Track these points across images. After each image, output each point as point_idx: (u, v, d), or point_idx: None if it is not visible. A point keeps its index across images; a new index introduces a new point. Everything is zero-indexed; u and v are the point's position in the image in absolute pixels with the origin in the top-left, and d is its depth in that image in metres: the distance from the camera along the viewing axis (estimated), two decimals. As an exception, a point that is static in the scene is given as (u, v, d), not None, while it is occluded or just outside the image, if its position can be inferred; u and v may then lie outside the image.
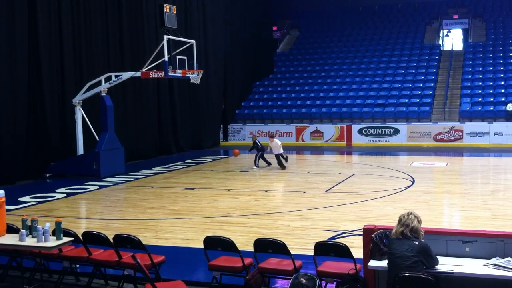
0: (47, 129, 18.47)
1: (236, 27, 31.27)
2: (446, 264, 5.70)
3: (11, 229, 7.33)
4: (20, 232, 6.82)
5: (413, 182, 15.95)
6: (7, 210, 8.15)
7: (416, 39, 36.15)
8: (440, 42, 36.57)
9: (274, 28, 40.00)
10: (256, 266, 6.87)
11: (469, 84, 30.10)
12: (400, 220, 5.77)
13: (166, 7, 17.79)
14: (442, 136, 26.96)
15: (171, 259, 7.93)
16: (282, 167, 19.38)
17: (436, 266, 5.64)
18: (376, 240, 5.98)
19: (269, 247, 6.93)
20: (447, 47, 36.30)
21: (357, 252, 6.66)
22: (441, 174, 17.97)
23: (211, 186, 16.07)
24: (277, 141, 19.72)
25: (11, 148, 17.04)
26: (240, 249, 6.95)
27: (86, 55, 20.28)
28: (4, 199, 7.03)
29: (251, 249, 7.02)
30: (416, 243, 5.60)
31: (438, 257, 5.72)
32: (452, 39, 37.69)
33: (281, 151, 19.56)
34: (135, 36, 22.88)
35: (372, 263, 5.93)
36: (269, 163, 19.83)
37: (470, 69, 31.48)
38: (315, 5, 41.80)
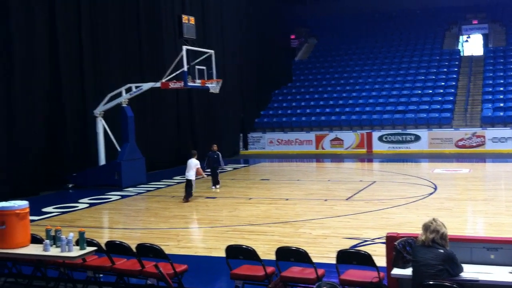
0: (69, 141, 18.70)
1: (254, 36, 31.38)
2: (471, 272, 5.62)
3: (35, 239, 7.41)
4: (44, 242, 6.89)
5: (435, 189, 15.80)
6: (31, 221, 8.25)
7: (435, 45, 35.92)
8: (460, 47, 36.30)
9: (292, 36, 40.11)
10: (278, 274, 6.85)
11: (490, 89, 29.79)
12: (428, 227, 5.67)
13: (185, 18, 17.91)
14: (464, 142, 26.70)
15: (194, 268, 7.94)
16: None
17: (461, 274, 5.56)
18: (399, 248, 5.92)
19: (291, 255, 6.90)
20: (467, 52, 36.01)
21: (380, 260, 6.60)
22: (464, 181, 17.77)
23: (231, 195, 16.08)
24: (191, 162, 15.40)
25: (35, 160, 17.27)
26: (261, 257, 6.94)
27: (106, 67, 20.50)
28: (28, 210, 7.12)
29: (273, 257, 7.01)
30: (442, 251, 5.53)
31: (463, 265, 5.65)
32: (472, 45, 37.38)
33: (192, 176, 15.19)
34: (154, 47, 23.08)
35: (395, 271, 5.88)
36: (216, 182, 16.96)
37: (491, 74, 31.17)
38: (332, 13, 41.77)
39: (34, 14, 17.33)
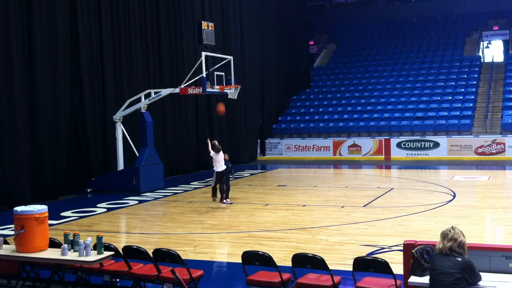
0: (89, 145, 18.86)
1: (273, 42, 31.44)
2: (489, 281, 5.56)
3: (54, 244, 7.48)
4: (62, 246, 6.96)
5: (454, 196, 15.65)
6: (50, 225, 8.33)
7: (456, 51, 35.65)
8: (480, 54, 35.98)
9: (311, 42, 40.09)
10: (294, 281, 6.84)
11: (511, 96, 29.45)
12: (446, 235, 5.62)
13: (204, 24, 18.00)
14: (483, 149, 26.42)
15: (210, 274, 7.97)
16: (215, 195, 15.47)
17: (479, 283, 5.50)
18: (416, 255, 5.88)
19: (307, 262, 6.88)
20: (487, 58, 35.67)
21: (397, 268, 6.56)
22: (483, 188, 17.58)
23: (248, 201, 16.08)
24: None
25: (54, 164, 17.45)
26: (278, 264, 6.93)
27: (126, 72, 20.67)
28: (47, 214, 7.20)
29: (289, 264, 6.99)
30: (460, 259, 5.48)
31: (481, 273, 5.58)
32: (493, 51, 37.03)
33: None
34: (174, 53, 23.23)
35: (413, 279, 5.83)
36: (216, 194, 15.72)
37: (512, 81, 30.85)
38: (352, 19, 41.73)
39: (56, 20, 17.55)
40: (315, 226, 12.17)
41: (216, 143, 16.16)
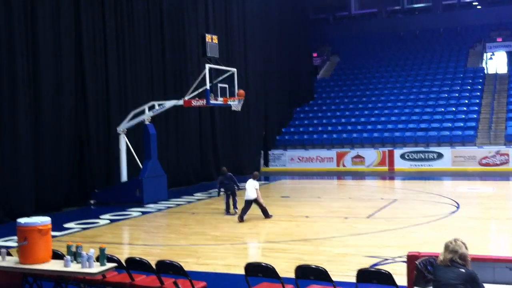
0: (93, 157, 18.89)
1: (276, 54, 31.55)
2: (493, 292, 5.54)
3: (57, 255, 7.47)
4: (65, 258, 6.94)
5: (458, 207, 15.59)
6: (53, 236, 8.33)
7: (459, 62, 35.68)
8: (484, 65, 35.99)
9: (314, 54, 40.22)
10: (297, 293, 6.81)
11: (515, 107, 29.47)
12: (447, 246, 5.61)
13: (208, 37, 18.09)
14: (487, 161, 26.34)
15: (213, 285, 7.92)
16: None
17: (483, 294, 5.48)
18: (420, 267, 5.86)
19: (310, 273, 6.85)
20: (491, 70, 35.68)
21: (401, 280, 6.53)
22: (487, 199, 17.52)
23: (251, 212, 16.02)
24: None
25: (58, 176, 17.47)
26: (281, 275, 6.90)
27: (130, 85, 20.75)
28: (50, 226, 7.19)
29: (292, 275, 6.96)
30: (463, 270, 5.45)
31: (485, 285, 5.55)
32: (496, 62, 37.04)
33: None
34: (178, 66, 23.33)
35: (416, 290, 5.81)
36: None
37: (516, 92, 30.83)
38: (355, 31, 41.85)
39: (61, 33, 17.65)
40: (319, 237, 12.13)
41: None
